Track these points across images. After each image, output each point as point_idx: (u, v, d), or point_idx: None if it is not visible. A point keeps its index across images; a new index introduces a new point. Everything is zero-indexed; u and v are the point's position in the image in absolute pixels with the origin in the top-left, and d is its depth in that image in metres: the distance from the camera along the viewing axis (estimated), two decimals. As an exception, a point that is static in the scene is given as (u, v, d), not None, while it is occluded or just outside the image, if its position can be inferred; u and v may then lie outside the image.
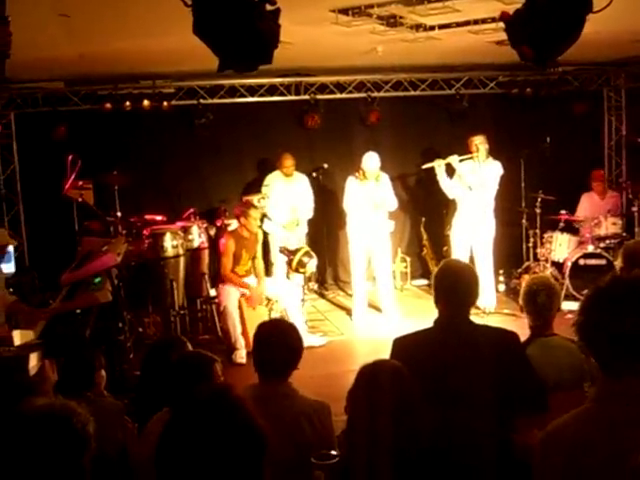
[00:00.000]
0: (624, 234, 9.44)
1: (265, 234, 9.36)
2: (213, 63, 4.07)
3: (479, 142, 8.97)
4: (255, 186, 9.98)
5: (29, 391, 3.46)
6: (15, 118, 9.82)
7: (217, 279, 8.41)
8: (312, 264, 8.41)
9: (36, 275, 9.11)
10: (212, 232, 9.41)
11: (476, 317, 3.69)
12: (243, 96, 10.14)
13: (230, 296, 8.01)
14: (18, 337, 5.11)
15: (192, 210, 9.54)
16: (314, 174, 10.05)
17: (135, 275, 8.35)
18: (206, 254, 9.16)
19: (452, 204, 9.62)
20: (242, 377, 6.48)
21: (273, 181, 9.63)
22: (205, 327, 8.94)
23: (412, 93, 10.60)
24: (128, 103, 9.60)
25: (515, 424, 3.34)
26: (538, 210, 9.74)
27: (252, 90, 10.15)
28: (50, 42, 6.78)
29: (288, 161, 9.58)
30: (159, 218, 9.22)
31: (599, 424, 2.03)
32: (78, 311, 5.98)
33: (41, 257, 9.49)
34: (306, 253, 8.34)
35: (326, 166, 10.10)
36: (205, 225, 9.37)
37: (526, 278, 7.70)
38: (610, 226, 9.51)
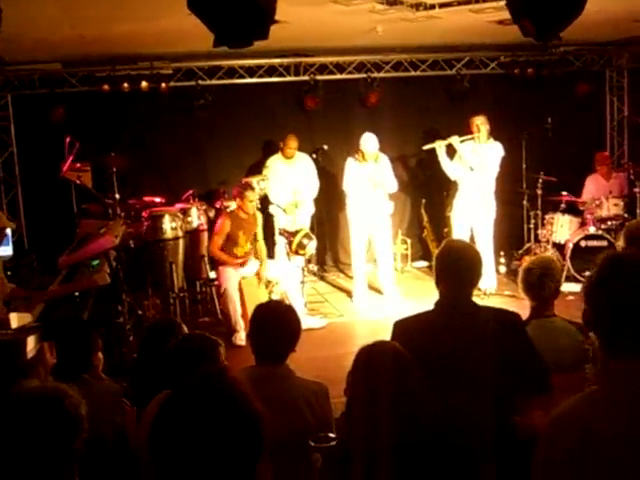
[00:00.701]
0: (626, 215, 9.40)
1: (270, 216, 9.33)
2: (211, 43, 4.01)
3: (480, 123, 8.91)
4: (255, 167, 9.95)
5: (25, 374, 3.44)
6: (12, 100, 9.77)
7: (216, 261, 8.37)
8: (312, 246, 8.38)
9: (35, 258, 9.08)
10: (211, 214, 9.36)
11: (477, 299, 3.63)
12: (242, 77, 10.08)
13: (230, 278, 7.98)
14: (15, 320, 5.06)
15: (191, 192, 9.50)
16: (314, 155, 10.00)
17: (134, 257, 8.32)
18: (205, 236, 9.11)
19: (453, 185, 9.58)
20: (242, 359, 6.44)
21: (273, 163, 9.58)
22: (205, 309, 8.93)
23: (412, 74, 10.53)
24: (126, 85, 9.53)
25: (517, 405, 3.31)
26: (539, 191, 9.71)
27: (251, 71, 10.09)
28: (47, 23, 6.72)
29: (293, 142, 9.51)
30: (158, 200, 9.18)
31: (608, 407, 1.99)
32: (76, 294, 5.95)
33: (40, 240, 9.47)
34: (306, 235, 8.31)
35: (326, 147, 10.04)
36: (204, 207, 9.33)
37: (527, 259, 7.65)
38: (612, 207, 9.45)
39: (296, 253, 8.37)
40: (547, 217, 9.81)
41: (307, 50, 10.06)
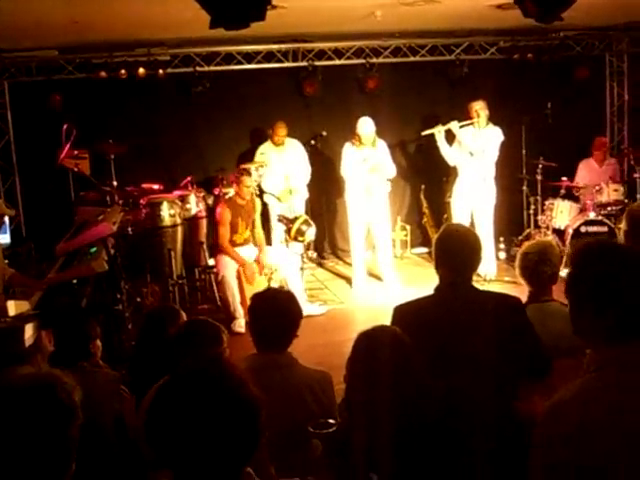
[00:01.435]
0: (626, 200, 9.38)
1: (264, 205, 9.29)
2: (209, 29, 3.96)
3: (479, 108, 8.89)
4: (253, 154, 9.90)
5: (22, 361, 3.42)
6: (9, 87, 9.72)
7: (215, 248, 8.35)
8: (311, 232, 8.35)
9: (32, 246, 9.04)
10: (210, 201, 9.34)
11: (477, 284, 3.60)
12: (240, 63, 10.02)
13: (228, 265, 7.96)
14: (13, 308, 5.05)
15: (189, 179, 9.47)
16: (312, 142, 9.97)
17: (133, 245, 8.30)
18: (204, 223, 9.10)
19: (452, 171, 9.55)
20: (241, 346, 6.40)
21: (266, 150, 9.54)
22: (204, 296, 8.92)
23: (411, 59, 10.47)
24: (123, 71, 9.47)
25: (518, 390, 3.29)
26: (539, 177, 9.68)
27: (249, 57, 10.03)
28: (43, 8, 6.66)
29: (282, 130, 9.46)
30: (156, 187, 9.14)
31: (601, 393, 1.98)
32: (74, 281, 5.93)
33: (37, 228, 9.44)
34: (305, 221, 8.28)
35: (324, 134, 10.02)
36: (203, 194, 9.30)
37: (525, 245, 7.63)
38: (612, 193, 9.43)
39: (295, 240, 8.34)
40: (547, 203, 9.78)
41: (305, 36, 10.00)
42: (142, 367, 3.84)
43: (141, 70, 9.52)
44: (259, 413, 1.74)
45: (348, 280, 9.54)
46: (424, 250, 10.86)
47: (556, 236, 9.54)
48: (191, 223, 8.98)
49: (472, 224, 8.87)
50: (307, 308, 7.73)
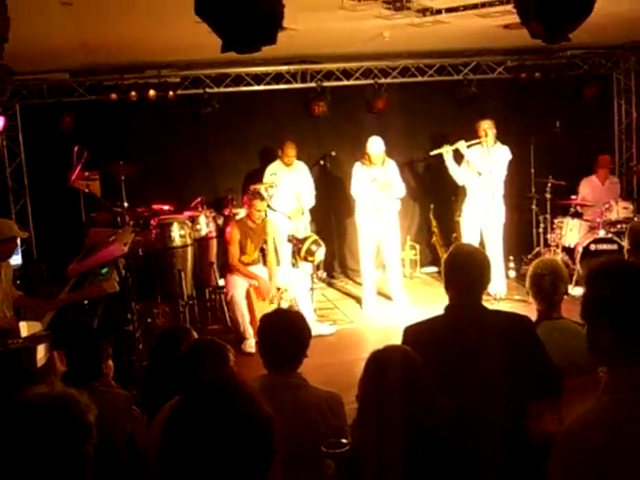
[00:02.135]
0: (635, 218, 9.37)
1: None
2: (218, 51, 4.01)
3: (487, 127, 8.92)
4: (262, 175, 9.94)
5: (36, 381, 3.44)
6: (20, 110, 9.81)
7: (225, 268, 8.37)
8: (320, 252, 8.37)
9: (44, 267, 9.10)
10: (220, 221, 9.36)
11: (487, 303, 3.61)
12: (249, 85, 10.09)
13: (237, 285, 7.97)
14: (25, 329, 5.09)
15: (199, 199, 9.50)
16: (321, 162, 10.01)
17: (143, 265, 8.34)
18: (214, 243, 9.12)
19: (461, 190, 9.56)
20: (252, 366, 6.43)
21: (277, 170, 9.59)
22: (214, 317, 8.91)
23: (419, 79, 10.53)
24: (134, 93, 9.55)
25: (529, 409, 3.29)
26: (548, 195, 9.69)
27: (258, 78, 10.10)
28: (54, 32, 6.75)
29: (291, 150, 9.52)
30: (166, 208, 9.19)
31: (621, 416, 1.98)
32: (86, 302, 5.95)
33: (49, 249, 9.48)
34: (314, 241, 8.30)
35: (334, 154, 10.07)
36: (213, 214, 9.33)
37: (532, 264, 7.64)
38: (621, 210, 9.44)
39: (305, 260, 8.36)
40: (556, 221, 9.78)
41: (314, 57, 10.07)
42: (154, 387, 3.84)
43: (151, 92, 9.59)
44: (272, 432, 1.75)
45: (358, 300, 9.54)
46: (434, 269, 10.85)
47: (566, 254, 9.53)
48: (201, 243, 9.00)
49: (482, 243, 8.87)
50: (317, 328, 7.74)
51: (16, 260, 8.07)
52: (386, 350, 2.86)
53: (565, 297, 4.20)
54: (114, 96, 9.51)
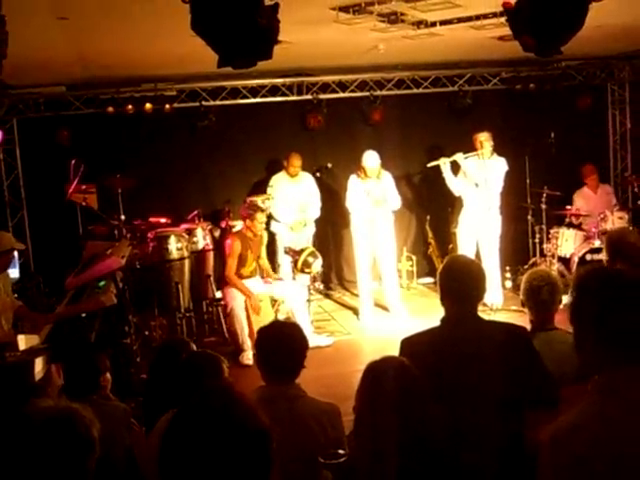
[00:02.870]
0: (631, 228, 9.39)
1: (272, 235, 9.33)
2: (214, 65, 4.04)
3: (484, 139, 8.95)
4: (259, 187, 9.98)
5: (34, 395, 3.45)
6: (17, 123, 9.84)
7: (222, 281, 8.38)
8: (317, 264, 8.39)
9: (41, 280, 9.10)
10: (217, 234, 9.40)
11: (483, 314, 3.63)
12: (245, 97, 10.12)
13: (236, 297, 7.98)
14: (23, 342, 5.09)
15: (196, 212, 9.54)
16: (317, 174, 10.04)
17: (140, 278, 8.34)
18: (211, 256, 9.14)
19: (457, 202, 9.59)
20: (250, 378, 6.41)
21: (278, 182, 9.62)
22: (211, 329, 8.93)
23: (415, 91, 10.57)
24: (130, 106, 9.59)
25: (525, 419, 3.30)
26: (544, 206, 9.72)
27: (254, 91, 10.14)
28: (50, 46, 6.77)
29: (296, 161, 9.57)
30: (163, 221, 9.20)
31: (607, 418, 2.00)
32: (83, 315, 5.96)
33: (46, 262, 9.49)
34: (311, 253, 8.32)
35: (330, 166, 10.10)
36: (209, 227, 9.36)
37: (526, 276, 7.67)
38: (617, 220, 9.46)
39: (302, 271, 8.37)
40: (552, 231, 9.81)
41: (309, 69, 10.12)
42: (154, 400, 3.85)
43: (148, 105, 9.63)
44: (270, 443, 1.77)
45: (355, 311, 9.55)
46: (430, 280, 10.86)
47: (562, 264, 9.56)
48: (198, 256, 9.02)
49: (478, 254, 8.90)
50: (314, 339, 7.74)
51: (13, 273, 8.08)
52: (383, 361, 2.87)
53: (560, 307, 4.22)
54: (111, 109, 9.54)
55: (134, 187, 8.97)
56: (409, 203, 10.63)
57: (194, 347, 4.08)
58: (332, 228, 10.61)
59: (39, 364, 4.74)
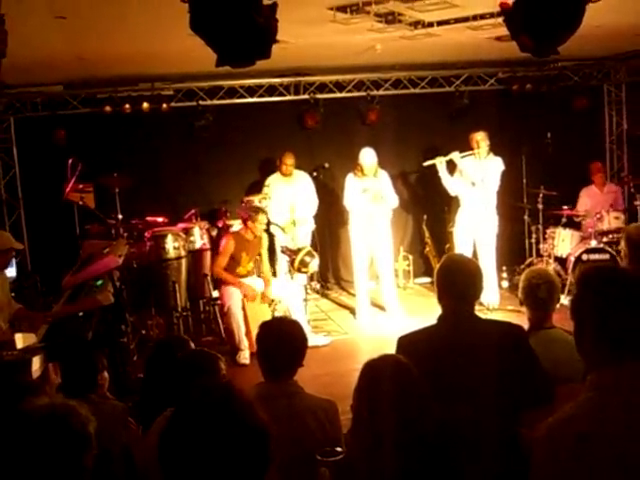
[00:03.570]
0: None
1: (271, 236, 9.33)
2: (212, 64, 4.05)
3: (480, 138, 8.96)
4: (256, 186, 9.98)
5: (31, 393, 3.45)
6: (15, 122, 9.85)
7: (219, 280, 8.37)
8: (314, 263, 8.39)
9: (38, 279, 9.10)
10: (214, 233, 9.40)
11: (480, 314, 3.64)
12: (242, 97, 10.14)
13: (233, 296, 7.98)
14: (20, 340, 5.09)
15: (193, 211, 9.54)
16: (315, 173, 10.05)
17: (137, 277, 8.35)
18: (208, 255, 9.14)
19: (454, 201, 9.61)
20: (246, 378, 6.47)
21: (273, 182, 9.62)
22: (208, 328, 8.92)
23: (412, 91, 10.60)
24: (127, 106, 9.61)
25: (521, 417, 3.31)
26: (540, 206, 9.73)
27: (251, 91, 10.15)
28: (48, 45, 6.77)
29: (290, 160, 9.57)
30: (160, 220, 9.20)
31: (603, 413, 2.02)
32: (80, 314, 5.96)
33: (43, 261, 9.49)
34: (308, 253, 8.32)
35: (327, 165, 10.11)
36: (207, 226, 9.36)
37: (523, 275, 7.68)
38: (613, 220, 9.48)
39: (299, 271, 8.37)
40: (548, 231, 9.82)
41: (307, 69, 10.13)
42: (151, 398, 3.85)
43: (145, 104, 9.64)
44: (269, 439, 1.77)
45: (352, 311, 9.56)
46: (427, 280, 10.88)
47: (558, 264, 9.57)
48: (195, 255, 9.02)
49: (474, 253, 8.91)
50: (311, 339, 7.71)
51: (10, 272, 8.07)
52: (380, 360, 2.88)
53: (557, 306, 4.24)
54: (108, 109, 9.56)
55: (131, 186, 8.98)
56: (406, 203, 10.65)
57: (192, 345, 4.09)
58: (329, 227, 10.62)
59: (36, 363, 4.75)
